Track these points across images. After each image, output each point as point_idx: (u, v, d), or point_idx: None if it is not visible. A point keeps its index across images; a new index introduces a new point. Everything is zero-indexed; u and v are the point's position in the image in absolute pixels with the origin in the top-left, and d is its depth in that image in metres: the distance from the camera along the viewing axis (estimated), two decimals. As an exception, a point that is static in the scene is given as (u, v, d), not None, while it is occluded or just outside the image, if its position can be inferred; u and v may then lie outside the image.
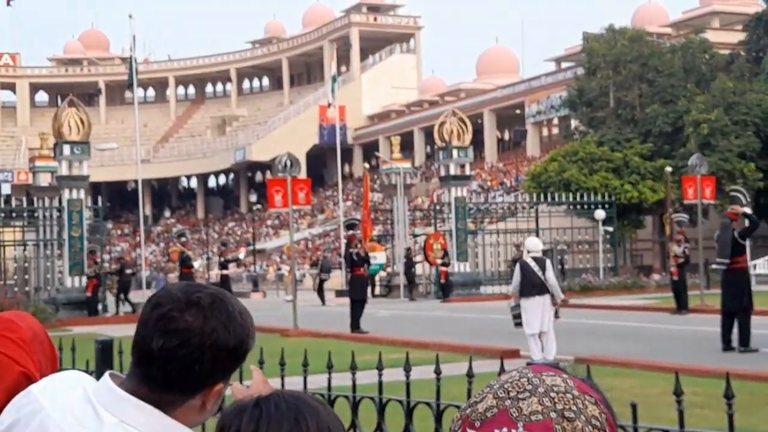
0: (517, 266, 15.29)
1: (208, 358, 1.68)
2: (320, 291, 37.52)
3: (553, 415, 1.23)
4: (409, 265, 38.16)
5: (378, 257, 37.70)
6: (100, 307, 31.12)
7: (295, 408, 1.56)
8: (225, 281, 36.01)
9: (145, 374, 1.70)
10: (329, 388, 5.03)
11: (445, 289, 35.31)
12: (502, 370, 3.99)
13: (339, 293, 39.77)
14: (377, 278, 40.42)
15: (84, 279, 30.58)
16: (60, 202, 31.85)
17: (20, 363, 2.25)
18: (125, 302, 33.12)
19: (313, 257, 50.40)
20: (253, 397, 1.59)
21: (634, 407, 3.60)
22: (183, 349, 1.67)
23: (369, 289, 28.75)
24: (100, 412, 1.67)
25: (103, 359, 5.52)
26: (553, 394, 1.25)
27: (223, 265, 36.40)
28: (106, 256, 39.40)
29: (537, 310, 14.66)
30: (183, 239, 34.75)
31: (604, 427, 1.27)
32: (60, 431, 1.66)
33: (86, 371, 6.00)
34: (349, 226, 24.65)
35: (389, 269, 41.11)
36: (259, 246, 66.37)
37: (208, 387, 1.72)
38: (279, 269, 56.19)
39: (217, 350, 1.68)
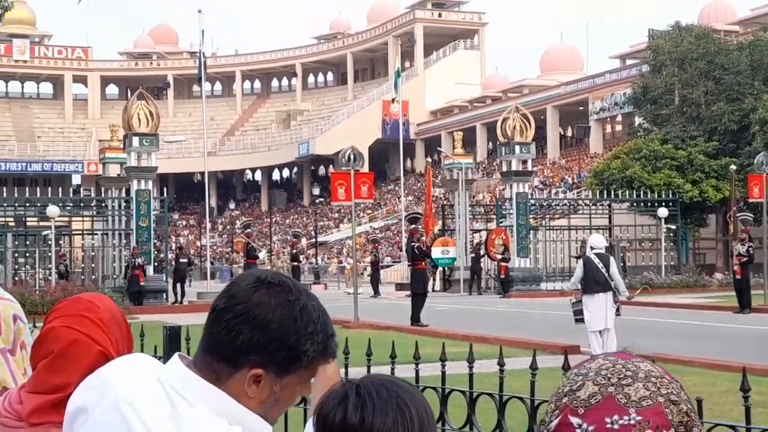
0: (580, 262, 15.19)
1: (245, 329, 1.66)
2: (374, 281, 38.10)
3: (660, 399, 1.24)
4: (477, 259, 38.05)
5: (450, 251, 37.72)
6: (164, 296, 31.49)
7: (396, 394, 1.54)
8: (296, 272, 36.41)
9: (203, 337, 1.73)
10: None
11: (505, 284, 35.18)
12: (566, 365, 3.97)
13: (399, 286, 39.88)
14: (437, 272, 40.43)
15: (150, 268, 31.00)
16: (128, 192, 32.35)
17: (99, 343, 2.30)
18: (181, 292, 33.44)
19: (373, 251, 50.55)
20: (344, 383, 1.59)
21: (699, 402, 3.55)
22: (227, 312, 1.68)
23: (430, 283, 28.76)
24: (168, 391, 1.68)
25: (170, 345, 5.60)
26: (654, 379, 1.26)
27: (295, 257, 36.80)
28: (170, 246, 39.85)
29: (600, 306, 14.55)
30: (248, 231, 35.13)
31: (692, 411, 1.27)
32: (131, 409, 1.67)
33: (155, 356, 6.10)
34: (412, 219, 24.70)
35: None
36: (321, 238, 66.70)
37: (246, 365, 1.68)
38: (341, 262, 56.42)
39: (256, 327, 1.67)
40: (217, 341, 1.69)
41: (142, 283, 30.08)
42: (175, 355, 1.76)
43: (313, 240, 64.02)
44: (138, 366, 1.78)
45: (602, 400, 1.24)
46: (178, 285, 33.66)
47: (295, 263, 36.35)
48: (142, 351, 6.29)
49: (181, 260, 34.43)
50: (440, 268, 40.05)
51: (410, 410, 1.54)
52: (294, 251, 37.52)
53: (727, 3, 75.44)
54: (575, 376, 1.29)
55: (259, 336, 1.66)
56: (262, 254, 51.63)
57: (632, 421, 1.22)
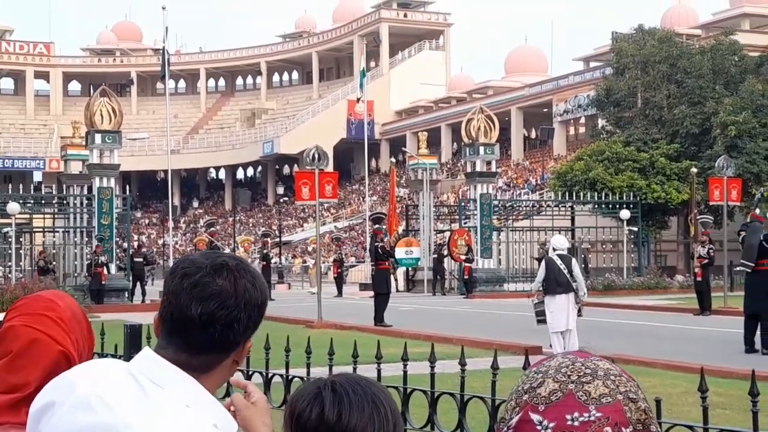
0: (543, 263, 15.25)
1: (243, 316, 1.75)
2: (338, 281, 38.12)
3: (619, 396, 1.26)
4: (440, 260, 38.12)
5: (414, 252, 37.75)
6: (126, 294, 31.25)
7: (370, 391, 1.59)
8: (266, 272, 36.17)
9: (184, 342, 1.74)
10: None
11: (468, 285, 35.25)
12: (527, 365, 3.99)
13: (363, 286, 39.86)
14: (399, 273, 40.45)
15: (112, 266, 30.76)
16: (90, 190, 32.08)
17: (59, 342, 2.28)
18: (141, 291, 33.15)
19: (336, 250, 50.44)
20: (316, 381, 1.60)
21: (658, 402, 3.58)
22: (222, 310, 1.73)
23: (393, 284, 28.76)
24: (142, 382, 1.69)
25: (131, 343, 5.57)
26: (613, 377, 1.27)
27: (265, 257, 36.58)
28: (130, 245, 39.50)
29: (562, 307, 14.62)
30: (212, 229, 34.94)
31: (650, 410, 1.29)
32: (101, 402, 1.65)
33: (114, 355, 6.05)
34: (375, 220, 24.66)
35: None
36: (285, 238, 66.51)
37: (243, 343, 1.79)
38: (305, 262, 56.33)
39: (250, 307, 1.76)
40: (214, 339, 1.74)
41: (103, 282, 29.81)
42: (146, 348, 1.78)
43: (277, 239, 63.86)
44: (106, 364, 1.77)
45: (563, 397, 1.25)
46: (138, 284, 33.35)
47: (265, 263, 36.14)
48: (102, 349, 6.25)
49: (136, 259, 33.88)
50: (403, 269, 40.06)
51: (384, 407, 1.57)
52: (265, 251, 37.29)
53: (690, 7, 76.20)
54: (535, 374, 1.30)
55: (253, 314, 1.77)
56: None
57: (592, 418, 1.23)
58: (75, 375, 1.75)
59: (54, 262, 31.97)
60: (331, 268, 59.46)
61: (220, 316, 1.73)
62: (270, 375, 5.27)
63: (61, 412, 1.70)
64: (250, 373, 5.34)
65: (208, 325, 1.73)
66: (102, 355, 6.05)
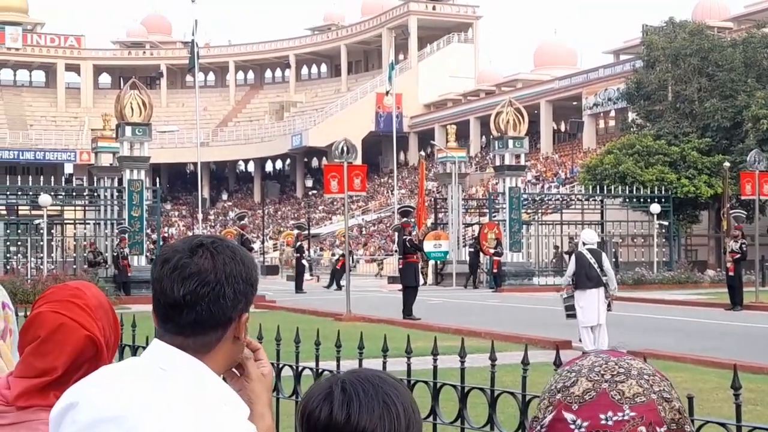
0: (573, 257, 15.20)
1: (227, 290, 1.77)
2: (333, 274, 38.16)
3: (653, 396, 1.25)
4: (477, 253, 37.79)
5: (443, 245, 37.77)
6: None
7: (382, 390, 1.56)
8: (299, 267, 36.11)
9: (176, 325, 1.78)
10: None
11: (497, 278, 35.22)
12: (557, 360, 3.97)
13: (391, 279, 39.91)
14: (429, 266, 40.48)
15: (142, 258, 30.96)
16: (121, 182, 32.30)
17: (86, 327, 2.32)
18: None
19: (367, 242, 50.49)
20: (329, 378, 1.60)
21: (690, 399, 3.55)
22: (203, 287, 1.76)
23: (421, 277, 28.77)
24: (151, 369, 1.74)
25: (162, 336, 5.61)
26: (646, 377, 1.27)
27: (299, 250, 36.60)
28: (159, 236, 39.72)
29: (592, 302, 14.57)
30: (243, 222, 35.05)
31: (683, 410, 1.28)
32: (118, 389, 1.70)
33: (145, 347, 6.10)
34: (404, 213, 24.68)
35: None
36: (314, 231, 66.70)
37: (236, 318, 1.81)
38: (334, 254, 56.48)
39: (233, 281, 1.78)
40: (203, 317, 1.77)
41: (129, 274, 29.99)
42: (154, 339, 1.81)
43: (306, 232, 64.07)
44: (120, 365, 1.80)
45: (596, 396, 1.25)
46: None
47: (299, 255, 36.21)
48: (133, 341, 6.29)
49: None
50: (432, 262, 40.09)
51: (396, 406, 1.55)
52: (299, 243, 37.31)
53: (721, 0, 75.51)
54: (568, 373, 1.30)
55: (239, 287, 1.79)
56: (257, 245, 51.49)
57: (626, 417, 1.23)
58: (89, 381, 1.80)
59: (104, 253, 32.10)
60: (360, 261, 59.56)
61: (203, 293, 1.76)
62: (300, 368, 5.27)
63: (80, 413, 1.73)
64: (281, 366, 5.35)
65: (194, 304, 1.76)
66: (133, 348, 6.10)
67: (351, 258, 34.46)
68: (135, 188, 30.98)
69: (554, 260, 39.68)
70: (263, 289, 30.36)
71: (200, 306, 1.76)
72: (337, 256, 40.93)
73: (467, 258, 39.37)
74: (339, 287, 36.41)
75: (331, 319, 20.92)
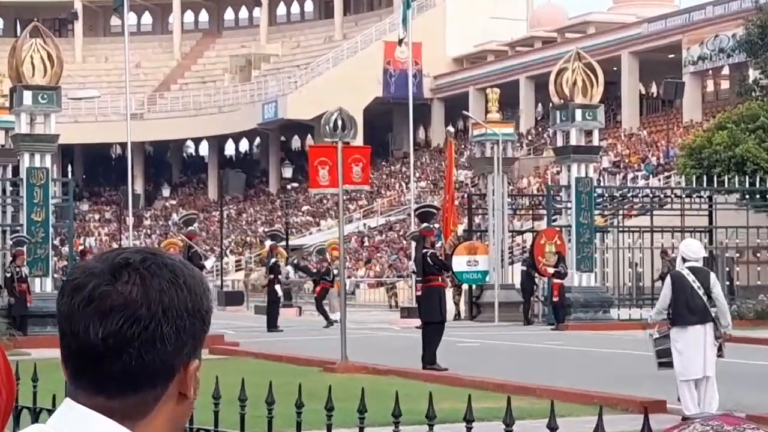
0: (668, 280, 15.17)
1: (167, 328, 1.76)
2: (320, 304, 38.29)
3: None
4: (530, 275, 37.52)
5: (480, 262, 37.64)
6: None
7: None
8: (272, 290, 36.17)
9: (95, 380, 1.76)
10: (394, 445, 5.03)
11: (558, 310, 35.14)
12: (646, 429, 3.97)
13: (406, 311, 39.83)
14: (463, 292, 40.43)
15: (48, 281, 30.92)
16: (16, 172, 32.24)
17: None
18: None
19: (371, 257, 50.44)
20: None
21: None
22: (131, 327, 1.74)
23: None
24: None
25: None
26: None
27: (273, 268, 36.61)
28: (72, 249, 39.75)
29: (696, 344, 14.52)
30: (191, 229, 35.03)
31: None
32: None
33: (52, 410, 6.11)
34: (423, 216, 24.56)
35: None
36: (294, 242, 66.72)
37: (181, 368, 1.80)
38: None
39: (175, 316, 1.76)
40: (133, 370, 1.75)
41: (29, 304, 29.84)
42: (65, 400, 1.80)
43: (282, 243, 63.99)
44: None
45: None
46: None
47: (273, 276, 36.23)
48: (34, 402, 6.31)
49: None
50: (465, 286, 40.02)
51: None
52: (273, 261, 37.31)
53: None
54: None
55: (183, 324, 1.78)
56: (210, 262, 51.43)
57: None
58: None
59: None
60: (360, 285, 59.55)
61: (131, 335, 1.74)
62: (275, 441, 5.29)
63: None
64: (247, 438, 5.38)
65: (119, 350, 1.74)
66: (34, 411, 6.12)
67: (346, 280, 34.23)
68: (37, 180, 30.95)
69: (645, 283, 39.58)
70: (222, 325, 30.37)
71: (128, 353, 1.74)
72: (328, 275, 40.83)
73: (517, 280, 39.26)
74: (328, 322, 36.44)
75: (319, 369, 20.88)
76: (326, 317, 37.47)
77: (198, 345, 1.82)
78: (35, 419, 6.02)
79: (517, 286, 39.51)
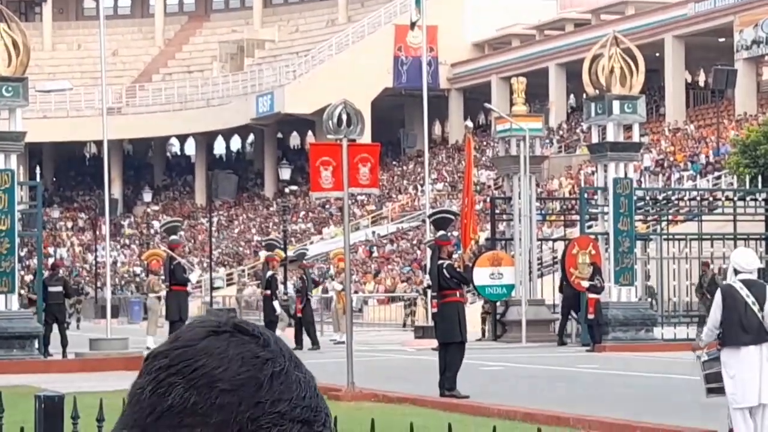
0: (718, 296, 15.17)
1: (181, 387, 1.70)
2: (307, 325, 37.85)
3: None
4: (573, 292, 36.89)
5: (505, 274, 37.64)
6: (35, 344, 31.51)
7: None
8: (268, 306, 36.24)
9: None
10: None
11: (594, 329, 35.16)
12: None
13: (421, 331, 39.89)
14: (482, 308, 40.48)
15: (13, 299, 31.02)
16: (-22, 174, 32.36)
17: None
18: (61, 338, 33.35)
19: (381, 270, 50.42)
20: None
21: None
22: (160, 359, 1.73)
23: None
24: None
25: (47, 424, 5.62)
26: None
27: (270, 283, 36.67)
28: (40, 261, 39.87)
29: (751, 368, 14.51)
30: (174, 238, 35.08)
31: None
32: None
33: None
34: (439, 222, 24.54)
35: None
36: (292, 251, 66.77)
37: None
38: (326, 291, 56.63)
39: (197, 383, 1.70)
40: (139, 404, 1.72)
41: None
42: None
43: (284, 256, 64.06)
44: None
45: None
46: (54, 326, 33.66)
47: (269, 292, 36.28)
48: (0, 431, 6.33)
49: (51, 288, 34.05)
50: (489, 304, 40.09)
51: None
52: (270, 273, 37.37)
53: None
54: None
55: (197, 398, 1.69)
56: (195, 275, 51.47)
57: None
58: None
59: None
60: (369, 302, 59.63)
61: (154, 366, 1.73)
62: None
63: None
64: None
65: (142, 376, 1.74)
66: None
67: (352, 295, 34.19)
68: (1, 184, 31.08)
69: (700, 298, 39.59)
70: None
71: (142, 381, 1.72)
72: (331, 292, 40.81)
73: (549, 295, 39.31)
74: (315, 345, 36.54)
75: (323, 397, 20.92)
76: (314, 342, 37.55)
77: None
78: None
79: (548, 300, 39.63)
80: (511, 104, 43.19)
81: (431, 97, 56.52)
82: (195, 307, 51.34)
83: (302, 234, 78.25)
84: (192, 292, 41.23)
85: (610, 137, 36.97)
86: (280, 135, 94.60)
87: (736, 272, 15.01)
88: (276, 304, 36.82)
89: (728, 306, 14.65)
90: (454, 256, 25.23)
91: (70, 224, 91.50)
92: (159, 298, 39.05)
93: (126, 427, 1.73)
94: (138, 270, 75.63)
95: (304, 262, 40.53)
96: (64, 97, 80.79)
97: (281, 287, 40.30)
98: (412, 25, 54.94)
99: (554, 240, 43.91)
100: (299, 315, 37.60)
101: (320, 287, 56.37)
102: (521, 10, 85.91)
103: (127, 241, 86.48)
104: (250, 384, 1.70)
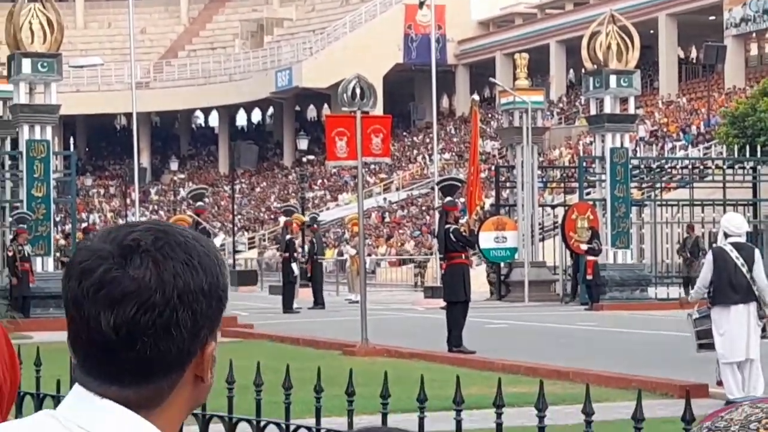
0: (708, 256, 15.12)
1: (183, 314, 1.73)
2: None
3: None
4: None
5: (509, 238, 37.65)
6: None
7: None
8: (287, 268, 36.27)
9: (107, 370, 1.73)
10: (420, 432, 5.03)
11: (592, 289, 35.15)
12: (688, 414, 3.96)
13: (430, 291, 39.88)
14: (485, 270, 40.47)
15: (49, 261, 31.04)
16: (15, 144, 32.33)
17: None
18: None
19: (392, 234, 50.44)
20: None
21: None
22: (145, 315, 1.71)
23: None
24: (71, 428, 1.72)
25: (82, 380, 5.62)
26: None
27: (289, 246, 36.64)
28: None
29: (739, 325, 14.48)
30: (200, 204, 35.05)
31: None
32: None
33: (56, 397, 6.13)
34: (447, 189, 24.53)
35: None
36: (309, 216, 66.81)
37: (198, 353, 1.77)
38: (341, 253, 56.63)
39: (191, 300, 1.73)
40: (147, 358, 1.73)
41: (32, 284, 29.98)
42: (76, 385, 1.77)
43: (303, 220, 64.09)
44: (20, 428, 1.80)
45: None
46: None
47: (287, 254, 36.25)
48: (37, 386, 6.33)
49: None
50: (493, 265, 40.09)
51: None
52: (289, 237, 37.32)
53: None
54: None
55: (199, 306, 1.75)
56: (219, 239, 51.57)
57: None
58: None
59: None
60: (381, 264, 59.58)
61: (145, 323, 1.71)
62: (293, 428, 5.29)
63: None
64: (263, 425, 5.38)
65: (132, 340, 1.71)
66: (38, 397, 6.13)
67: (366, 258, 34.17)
68: (37, 154, 31.02)
69: (683, 260, 39.55)
70: (235, 307, 30.42)
71: (142, 342, 1.71)
72: (345, 255, 40.81)
73: (550, 257, 39.29)
74: (318, 303, 36.51)
75: (338, 352, 20.93)
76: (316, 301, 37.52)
77: (215, 326, 1.78)
78: (39, 406, 6.04)
79: (549, 263, 39.65)
80: (515, 79, 43.02)
81: (439, 72, 56.40)
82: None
83: (319, 200, 78.27)
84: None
85: (607, 109, 36.86)
86: (297, 108, 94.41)
87: (726, 235, 14.96)
88: (294, 266, 36.81)
89: (719, 267, 14.61)
90: (461, 221, 25.20)
91: (101, 191, 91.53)
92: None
93: None
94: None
95: (315, 226, 40.43)
96: (95, 72, 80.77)
97: (299, 250, 40.25)
98: (421, 4, 54.92)
99: (555, 206, 43.73)
100: (309, 275, 37.66)
101: (335, 250, 56.46)
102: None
103: (155, 207, 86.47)
104: (210, 264, 1.82)
